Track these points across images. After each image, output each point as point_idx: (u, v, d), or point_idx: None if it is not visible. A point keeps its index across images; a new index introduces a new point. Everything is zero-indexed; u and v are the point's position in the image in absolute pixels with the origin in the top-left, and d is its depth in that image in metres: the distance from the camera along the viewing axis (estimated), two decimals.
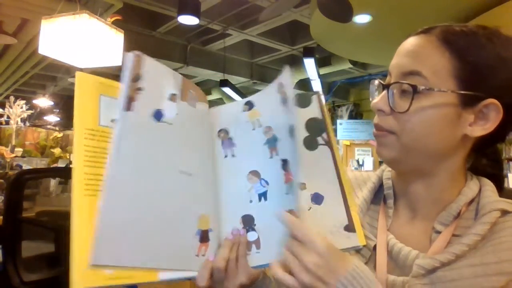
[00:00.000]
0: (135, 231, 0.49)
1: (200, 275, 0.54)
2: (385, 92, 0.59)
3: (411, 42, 0.59)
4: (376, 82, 0.64)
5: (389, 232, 0.62)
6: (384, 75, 0.77)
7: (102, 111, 0.53)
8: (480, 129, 0.56)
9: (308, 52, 5.44)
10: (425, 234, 0.59)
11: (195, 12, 3.79)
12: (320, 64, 6.12)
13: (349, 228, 0.58)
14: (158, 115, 0.54)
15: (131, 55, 0.53)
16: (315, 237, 0.50)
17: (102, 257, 0.46)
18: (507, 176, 6.29)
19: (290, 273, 0.50)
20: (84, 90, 0.52)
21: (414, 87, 0.54)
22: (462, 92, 0.54)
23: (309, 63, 5.61)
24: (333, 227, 0.58)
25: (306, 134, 0.64)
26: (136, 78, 0.53)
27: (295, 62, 6.86)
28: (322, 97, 0.67)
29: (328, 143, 0.63)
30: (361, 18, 3.94)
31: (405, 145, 0.57)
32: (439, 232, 0.58)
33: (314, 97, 0.66)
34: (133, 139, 0.51)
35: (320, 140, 0.64)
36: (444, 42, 0.56)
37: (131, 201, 0.49)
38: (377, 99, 0.60)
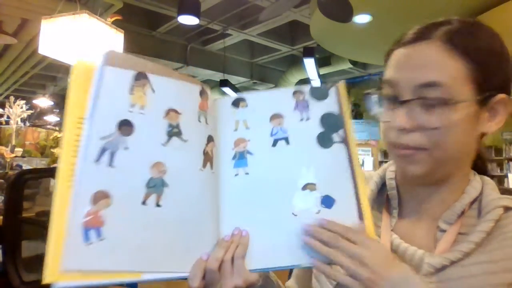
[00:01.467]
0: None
1: (192, 275, 0.52)
2: (402, 109, 0.55)
3: (416, 51, 0.56)
4: (381, 97, 0.60)
5: (393, 232, 0.61)
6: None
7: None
8: (494, 125, 0.57)
9: (308, 52, 5.45)
10: (429, 233, 0.59)
11: (195, 12, 3.79)
12: (320, 64, 6.12)
13: None
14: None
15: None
16: (367, 237, 0.53)
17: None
18: (507, 176, 6.30)
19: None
20: (79, 81, 0.52)
21: (446, 101, 0.52)
22: (482, 96, 0.54)
23: (309, 63, 5.61)
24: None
25: (320, 130, 0.59)
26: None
27: (295, 62, 6.86)
28: (343, 89, 0.62)
29: (345, 141, 0.59)
30: (361, 18, 3.95)
31: (438, 158, 0.55)
32: (444, 231, 0.58)
33: (333, 90, 0.62)
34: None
35: (335, 137, 0.59)
36: (451, 44, 0.54)
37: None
38: (396, 117, 0.55)
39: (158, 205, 0.52)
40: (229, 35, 5.85)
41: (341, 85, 0.62)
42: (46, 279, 0.44)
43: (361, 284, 0.50)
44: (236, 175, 0.60)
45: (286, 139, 0.60)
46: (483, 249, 0.53)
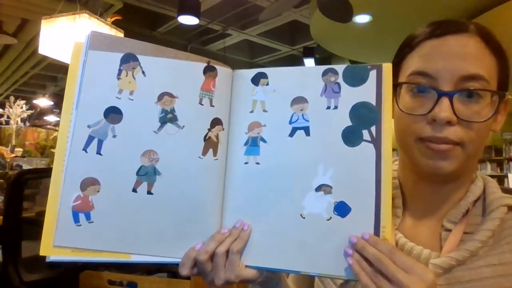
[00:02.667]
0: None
1: (182, 263, 0.52)
2: (446, 101, 0.52)
3: (457, 43, 0.54)
4: (422, 87, 0.55)
5: (398, 231, 0.61)
6: None
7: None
8: (498, 123, 0.58)
9: (308, 52, 5.45)
10: (434, 232, 0.59)
11: (195, 12, 3.79)
12: (320, 64, 6.12)
13: None
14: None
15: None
16: (421, 266, 0.46)
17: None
18: (507, 176, 6.29)
19: None
20: (78, 61, 0.52)
21: (502, 94, 0.54)
22: (502, 92, 0.56)
23: (309, 63, 5.61)
24: None
25: (348, 123, 0.51)
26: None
27: (295, 62, 6.86)
28: (388, 73, 0.51)
29: (375, 141, 0.50)
30: (361, 18, 3.95)
31: (469, 155, 0.54)
32: (448, 230, 0.57)
33: (373, 73, 0.51)
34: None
35: (365, 134, 0.51)
36: (486, 42, 0.55)
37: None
38: (441, 110, 0.52)
39: (149, 193, 0.52)
40: (229, 35, 5.85)
41: (387, 67, 0.51)
42: (41, 252, 0.50)
43: None
44: (246, 163, 0.54)
45: (307, 129, 0.52)
46: (491, 250, 0.53)
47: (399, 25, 3.88)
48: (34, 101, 7.82)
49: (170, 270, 2.09)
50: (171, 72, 0.53)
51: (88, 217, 0.50)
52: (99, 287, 1.53)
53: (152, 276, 1.67)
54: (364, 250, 0.48)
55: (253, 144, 0.54)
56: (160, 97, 0.53)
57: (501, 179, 6.33)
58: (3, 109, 4.69)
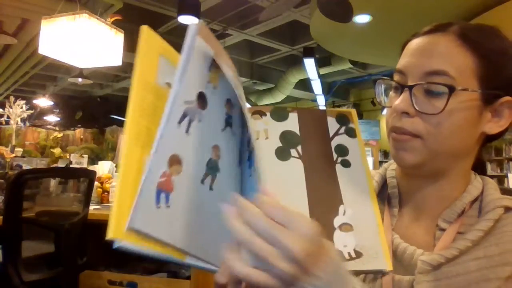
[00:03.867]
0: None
1: (220, 274, 0.45)
2: (406, 93, 0.56)
3: (429, 41, 0.57)
4: (389, 82, 0.61)
5: (394, 232, 0.61)
6: (384, 75, 0.75)
7: (160, 70, 0.52)
8: (496, 126, 0.57)
9: (308, 52, 5.45)
10: (429, 232, 0.59)
11: (195, 12, 3.79)
12: (320, 64, 6.13)
13: None
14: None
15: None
16: (301, 218, 0.39)
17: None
18: (507, 176, 6.29)
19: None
20: (148, 45, 0.52)
21: (452, 88, 0.53)
22: (487, 92, 0.55)
23: (309, 63, 5.62)
24: None
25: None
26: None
27: (295, 62, 6.86)
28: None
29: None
30: (361, 18, 3.95)
31: (431, 149, 0.55)
32: (443, 230, 0.58)
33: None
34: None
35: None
36: (465, 40, 0.55)
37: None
38: (399, 100, 0.56)
39: (211, 188, 0.51)
40: (229, 35, 5.85)
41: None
42: (111, 235, 0.39)
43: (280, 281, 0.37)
44: (250, 175, 0.56)
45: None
46: (479, 246, 0.54)
47: (399, 25, 3.88)
48: (34, 101, 7.82)
49: (170, 270, 2.09)
50: (232, 84, 0.56)
51: (167, 199, 0.45)
52: (99, 287, 1.53)
53: (152, 276, 1.67)
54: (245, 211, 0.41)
55: (250, 157, 0.58)
56: (227, 101, 0.57)
57: (501, 179, 6.33)
58: (3, 109, 4.70)
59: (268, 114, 0.65)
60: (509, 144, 6.76)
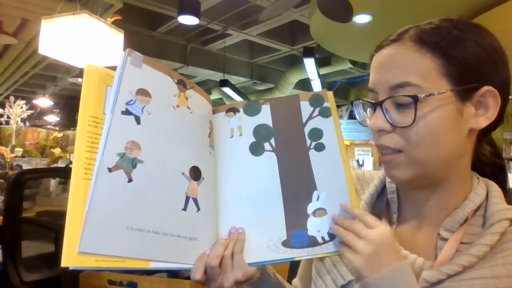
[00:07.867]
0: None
1: (195, 268, 0.55)
2: (379, 110, 0.56)
3: (387, 53, 0.56)
4: (362, 102, 0.62)
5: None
6: None
7: (107, 100, 0.54)
8: (484, 119, 0.55)
9: (308, 52, 5.44)
10: (430, 240, 0.58)
11: (195, 12, 3.79)
12: (320, 64, 6.11)
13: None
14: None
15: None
16: (374, 219, 0.54)
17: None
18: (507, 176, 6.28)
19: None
20: (91, 80, 0.55)
21: (415, 97, 0.52)
22: (458, 88, 0.53)
23: (309, 63, 5.61)
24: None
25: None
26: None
27: (295, 62, 6.86)
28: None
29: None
30: (361, 18, 3.94)
31: (417, 160, 0.54)
32: (445, 239, 0.56)
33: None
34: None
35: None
36: (421, 44, 0.54)
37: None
38: (374, 118, 0.56)
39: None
40: (229, 35, 5.84)
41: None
42: (62, 263, 0.46)
43: (359, 258, 0.51)
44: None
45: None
46: (485, 262, 0.52)
47: (399, 25, 3.86)
48: (34, 101, 7.82)
49: (170, 270, 2.08)
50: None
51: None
52: (99, 287, 1.53)
53: (152, 276, 1.67)
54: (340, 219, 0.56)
55: None
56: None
57: None
58: (3, 109, 4.70)
59: (241, 110, 0.65)
60: (509, 144, 6.76)
